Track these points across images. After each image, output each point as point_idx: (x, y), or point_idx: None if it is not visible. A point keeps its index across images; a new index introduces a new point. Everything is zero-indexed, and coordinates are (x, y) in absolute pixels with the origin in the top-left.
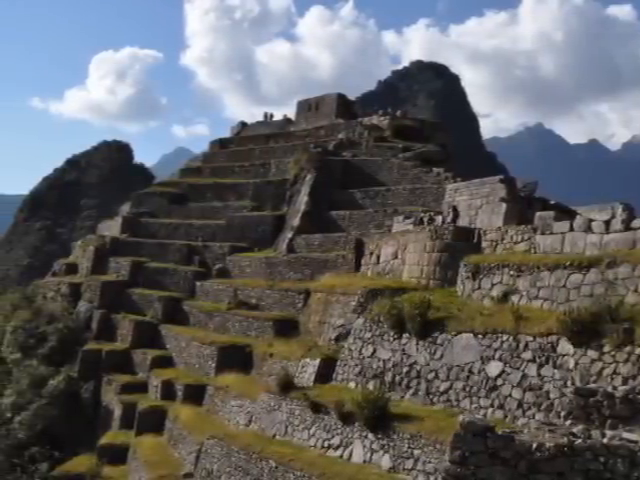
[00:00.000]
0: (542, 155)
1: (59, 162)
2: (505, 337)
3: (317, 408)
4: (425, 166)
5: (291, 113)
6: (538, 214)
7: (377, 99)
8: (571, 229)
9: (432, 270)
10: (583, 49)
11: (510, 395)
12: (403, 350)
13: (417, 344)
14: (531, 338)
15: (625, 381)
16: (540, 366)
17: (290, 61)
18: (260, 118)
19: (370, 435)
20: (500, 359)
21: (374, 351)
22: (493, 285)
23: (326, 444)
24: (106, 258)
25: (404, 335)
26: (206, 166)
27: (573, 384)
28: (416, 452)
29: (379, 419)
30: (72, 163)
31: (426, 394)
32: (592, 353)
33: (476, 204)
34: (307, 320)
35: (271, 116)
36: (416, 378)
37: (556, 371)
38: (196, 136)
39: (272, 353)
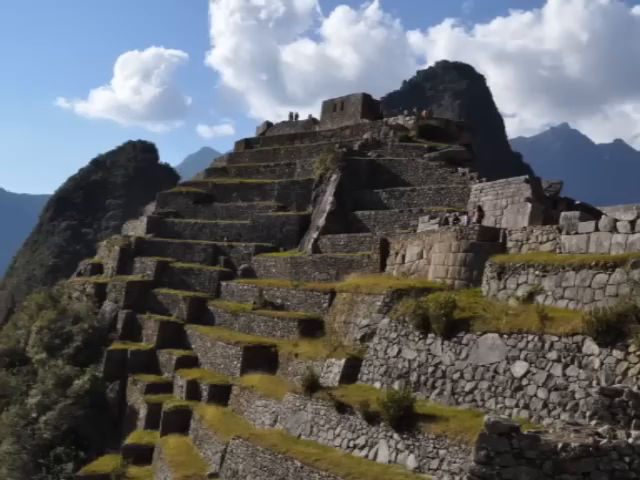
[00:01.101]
0: (567, 155)
1: (84, 162)
2: (530, 337)
3: (342, 408)
4: (450, 166)
5: (316, 113)
6: (563, 214)
7: (402, 99)
8: (596, 229)
9: (457, 270)
10: (608, 49)
11: (535, 395)
12: (428, 350)
13: (442, 344)
14: (556, 338)
15: None
16: (565, 366)
17: (315, 61)
18: (285, 118)
19: (395, 435)
20: (525, 359)
21: (399, 351)
22: (518, 285)
23: (351, 444)
24: (131, 258)
25: (429, 335)
26: (231, 166)
27: (598, 384)
28: (441, 452)
29: (404, 419)
30: (97, 163)
31: (451, 394)
32: (617, 353)
33: (501, 204)
34: (332, 320)
35: (296, 116)
36: (441, 378)
37: (581, 371)
38: (221, 136)
39: (297, 353)
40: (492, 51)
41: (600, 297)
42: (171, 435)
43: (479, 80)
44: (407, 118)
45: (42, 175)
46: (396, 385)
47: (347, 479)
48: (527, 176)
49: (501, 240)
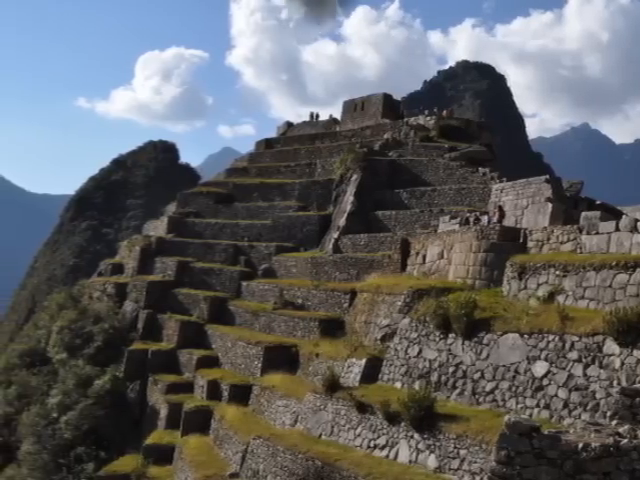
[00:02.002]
0: (588, 155)
1: (105, 162)
2: (551, 337)
3: (363, 408)
4: (471, 166)
5: (337, 113)
6: (584, 214)
7: (423, 99)
8: (617, 229)
9: (478, 270)
10: (629, 49)
11: (556, 395)
12: (449, 350)
13: (463, 344)
14: (577, 338)
15: None
16: (586, 366)
17: (336, 61)
18: (306, 118)
19: (416, 435)
20: (546, 359)
21: (420, 351)
22: (539, 285)
23: (372, 444)
24: (152, 258)
25: (450, 335)
26: (252, 166)
27: (619, 384)
28: (462, 452)
29: (425, 419)
30: (118, 163)
31: (472, 394)
32: (638, 353)
33: (522, 204)
34: (353, 320)
35: (317, 116)
36: (462, 378)
37: (602, 371)
38: (242, 136)
39: (318, 353)
40: (513, 51)
41: (621, 297)
42: (192, 435)
43: (500, 80)
44: (428, 118)
45: (63, 175)
46: (417, 385)
47: (368, 479)
48: (548, 176)
49: (522, 240)
